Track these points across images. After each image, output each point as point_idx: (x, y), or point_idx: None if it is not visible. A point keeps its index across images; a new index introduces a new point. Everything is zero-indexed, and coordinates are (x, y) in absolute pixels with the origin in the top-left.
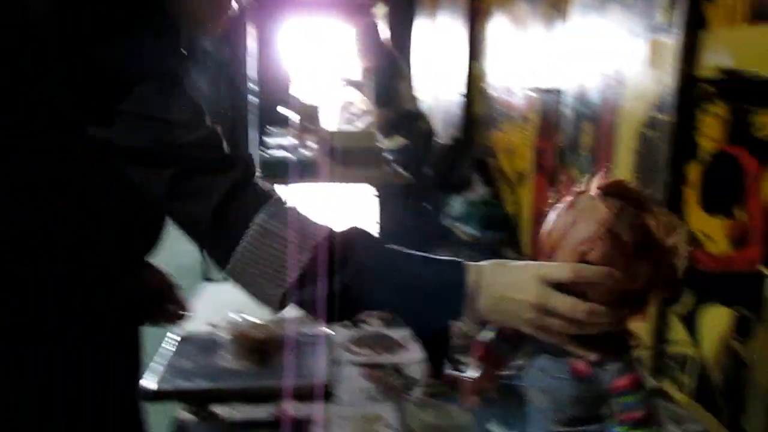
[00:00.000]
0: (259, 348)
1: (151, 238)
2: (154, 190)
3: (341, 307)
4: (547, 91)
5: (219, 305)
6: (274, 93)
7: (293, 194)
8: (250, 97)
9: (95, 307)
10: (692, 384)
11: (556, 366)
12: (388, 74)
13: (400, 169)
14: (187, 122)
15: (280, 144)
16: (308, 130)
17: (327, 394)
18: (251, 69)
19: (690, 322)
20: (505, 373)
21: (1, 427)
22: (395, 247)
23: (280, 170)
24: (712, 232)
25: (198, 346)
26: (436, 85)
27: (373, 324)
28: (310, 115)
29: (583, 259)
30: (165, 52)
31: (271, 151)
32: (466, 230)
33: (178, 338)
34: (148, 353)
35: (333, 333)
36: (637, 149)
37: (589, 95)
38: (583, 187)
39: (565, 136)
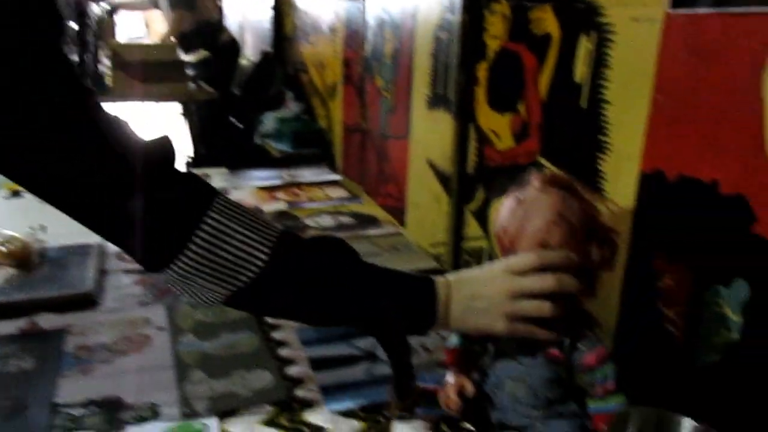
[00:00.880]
0: (15, 261)
1: None
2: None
3: (295, 313)
4: (352, 0)
5: None
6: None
7: None
8: None
9: None
10: None
11: (527, 354)
12: None
13: (205, 85)
14: None
15: (72, 60)
16: (103, 42)
17: (89, 303)
18: None
19: (482, 217)
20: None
21: None
22: (366, 262)
23: None
24: (499, 128)
25: None
26: (245, 0)
27: None
28: (103, 26)
29: (543, 247)
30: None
31: None
32: (278, 147)
33: None
34: None
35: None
36: (432, 52)
37: (390, 2)
38: (527, 182)
39: (369, 45)
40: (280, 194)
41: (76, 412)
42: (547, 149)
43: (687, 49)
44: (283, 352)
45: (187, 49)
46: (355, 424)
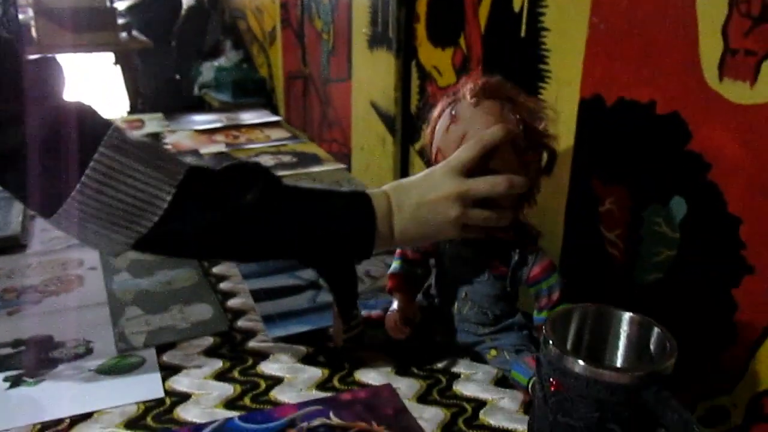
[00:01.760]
0: None
1: None
2: None
3: (218, 252)
4: None
5: None
6: None
7: None
8: None
9: None
10: None
11: (473, 272)
12: None
13: (139, 34)
14: None
15: None
16: None
17: (16, 247)
18: None
19: (425, 156)
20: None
21: None
22: (288, 182)
23: None
24: (441, 64)
25: None
26: None
27: None
28: None
29: (483, 161)
30: None
31: None
32: (219, 97)
33: None
34: None
35: None
36: None
37: None
38: (458, 96)
39: None
40: (219, 137)
41: (2, 351)
42: None
43: None
44: (224, 285)
45: None
46: (301, 348)
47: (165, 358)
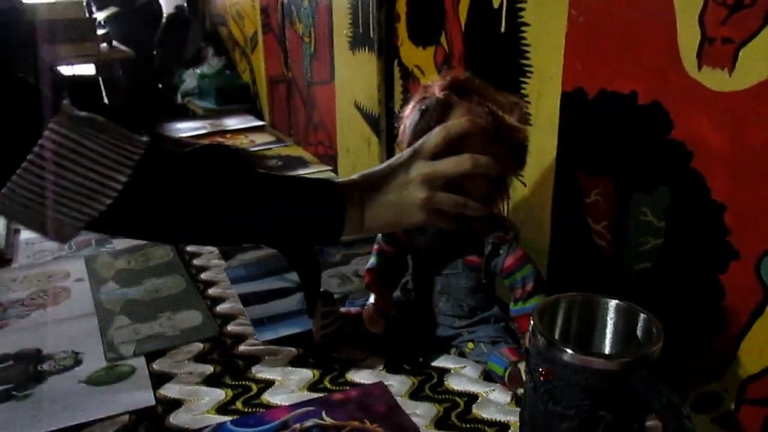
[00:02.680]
0: None
1: None
2: None
3: (173, 236)
4: None
5: None
6: None
7: None
8: None
9: None
10: None
11: (447, 264)
12: None
13: (119, 44)
14: None
15: None
16: None
17: (1, 261)
18: None
19: None
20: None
21: None
22: (259, 171)
23: None
24: (423, 63)
25: None
26: None
27: None
28: None
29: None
30: None
31: None
32: (202, 105)
33: None
34: None
35: None
36: None
37: None
38: (428, 92)
39: None
40: (204, 141)
41: None
42: None
43: None
44: (212, 291)
45: (100, 7)
46: (291, 350)
47: (155, 366)
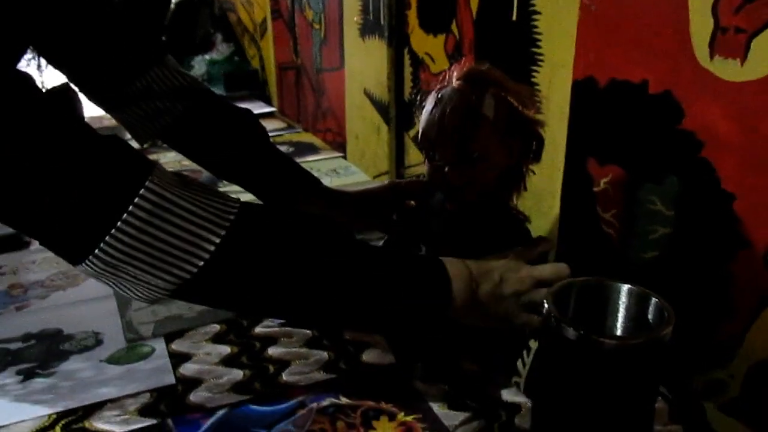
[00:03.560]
0: None
1: None
2: None
3: (266, 308)
4: None
5: None
6: None
7: None
8: None
9: None
10: None
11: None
12: None
13: None
14: None
15: None
16: None
17: (19, 243)
18: None
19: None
20: None
21: None
22: (353, 238)
23: None
24: (433, 51)
25: None
26: None
27: None
28: None
29: (464, 147)
30: None
31: None
32: None
33: None
34: None
35: None
36: None
37: None
38: (445, 82)
39: None
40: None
41: (13, 346)
42: None
43: None
44: None
45: None
46: (306, 332)
47: (174, 346)
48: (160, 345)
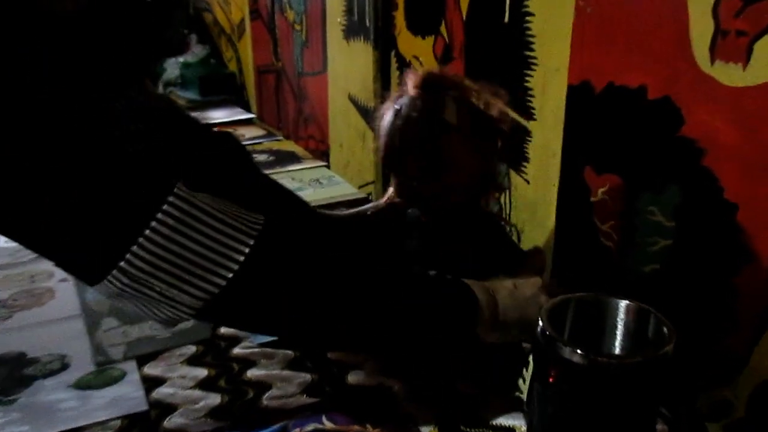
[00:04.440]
0: None
1: None
2: None
3: (294, 325)
4: None
5: None
6: None
7: None
8: None
9: None
10: None
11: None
12: None
13: None
14: None
15: None
16: None
17: None
18: None
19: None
20: None
21: None
22: (383, 266)
23: None
24: (422, 54)
25: None
26: None
27: None
28: None
29: (431, 157)
30: None
31: None
32: (185, 95)
33: None
34: None
35: None
36: None
37: None
38: (402, 91)
39: None
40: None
41: None
42: (472, 71)
43: None
44: None
45: None
46: (288, 353)
47: (147, 369)
48: (131, 368)
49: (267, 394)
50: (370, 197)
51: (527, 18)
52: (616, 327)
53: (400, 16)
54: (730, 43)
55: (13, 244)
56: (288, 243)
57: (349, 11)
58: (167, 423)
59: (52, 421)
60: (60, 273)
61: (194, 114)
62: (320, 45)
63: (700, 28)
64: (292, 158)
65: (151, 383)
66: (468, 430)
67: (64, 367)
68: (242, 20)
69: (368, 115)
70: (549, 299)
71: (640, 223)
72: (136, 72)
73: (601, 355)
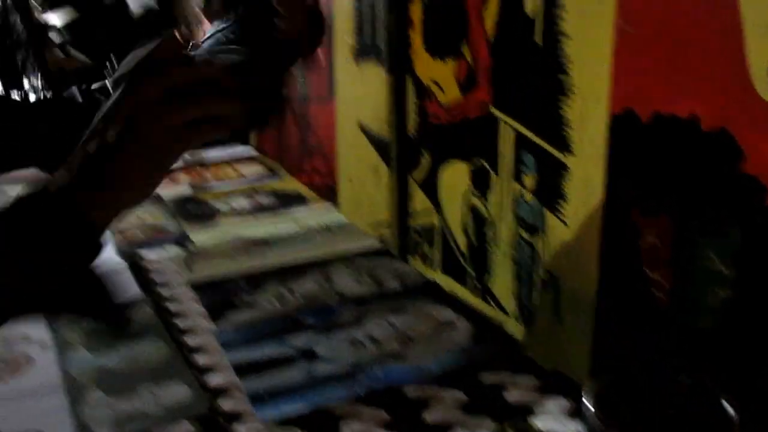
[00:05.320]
0: None
1: None
2: None
3: None
4: None
5: None
6: None
7: None
8: None
9: None
10: (440, 255)
11: None
12: None
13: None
14: None
15: None
16: None
17: None
18: None
19: (430, 188)
20: None
21: None
22: None
23: None
24: (442, 78)
25: None
26: None
27: None
28: None
29: None
30: None
31: None
32: None
33: None
34: None
35: None
36: None
37: None
38: None
39: None
40: (182, 176)
41: None
42: (500, 98)
43: None
44: (201, 359)
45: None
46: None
47: None
48: None
49: None
50: (383, 242)
51: (561, 39)
52: (671, 407)
53: (416, 35)
54: None
55: None
56: None
57: (359, 30)
58: None
59: None
60: (37, 336)
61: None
62: (327, 68)
63: (758, 50)
64: (297, 200)
65: None
66: None
67: None
68: None
69: (382, 146)
70: None
71: (695, 271)
72: None
73: None
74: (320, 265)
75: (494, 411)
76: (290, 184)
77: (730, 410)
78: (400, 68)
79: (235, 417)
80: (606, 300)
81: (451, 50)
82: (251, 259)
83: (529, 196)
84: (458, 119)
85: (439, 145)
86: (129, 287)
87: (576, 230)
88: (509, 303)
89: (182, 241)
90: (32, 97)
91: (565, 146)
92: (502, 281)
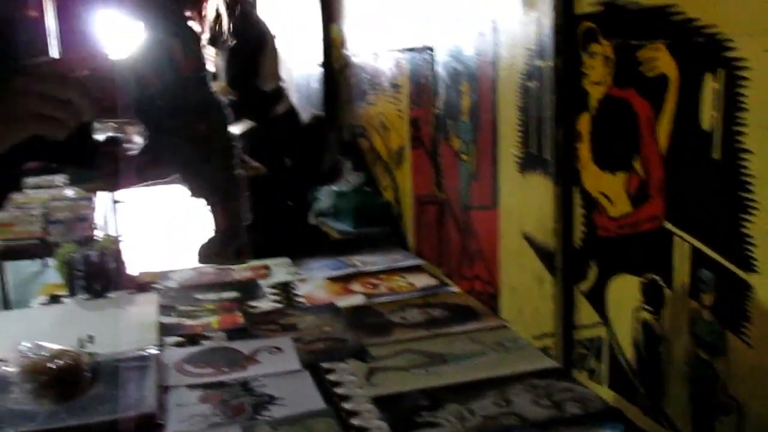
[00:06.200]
0: (59, 381)
1: None
2: None
3: None
4: (417, 50)
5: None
6: None
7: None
8: None
9: None
10: (607, 370)
11: None
12: (251, 51)
13: (250, 159)
14: None
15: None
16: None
17: (152, 426)
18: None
19: (597, 300)
20: None
21: None
22: None
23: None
24: (611, 190)
25: None
26: (288, 56)
27: (215, 338)
28: None
29: None
30: None
31: None
32: (338, 227)
33: None
34: None
35: (161, 353)
36: (520, 105)
37: (463, 50)
38: None
39: (441, 101)
40: (355, 285)
41: None
42: (674, 212)
43: None
44: None
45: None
46: None
47: None
48: None
49: None
50: (548, 350)
51: (742, 155)
52: None
53: (584, 149)
54: None
55: (186, 409)
56: None
57: (525, 142)
58: None
59: None
60: None
61: (357, 257)
62: (490, 177)
63: None
64: (468, 314)
65: None
66: None
67: None
68: (402, 147)
69: (547, 256)
70: None
71: None
72: None
73: None
74: (496, 384)
75: None
76: (461, 297)
77: None
78: (567, 180)
79: None
80: None
81: (621, 164)
82: (429, 375)
83: (707, 315)
84: (628, 232)
85: (608, 258)
86: (312, 398)
87: (762, 353)
88: (685, 426)
89: (361, 353)
90: None
91: (747, 264)
92: (677, 402)
